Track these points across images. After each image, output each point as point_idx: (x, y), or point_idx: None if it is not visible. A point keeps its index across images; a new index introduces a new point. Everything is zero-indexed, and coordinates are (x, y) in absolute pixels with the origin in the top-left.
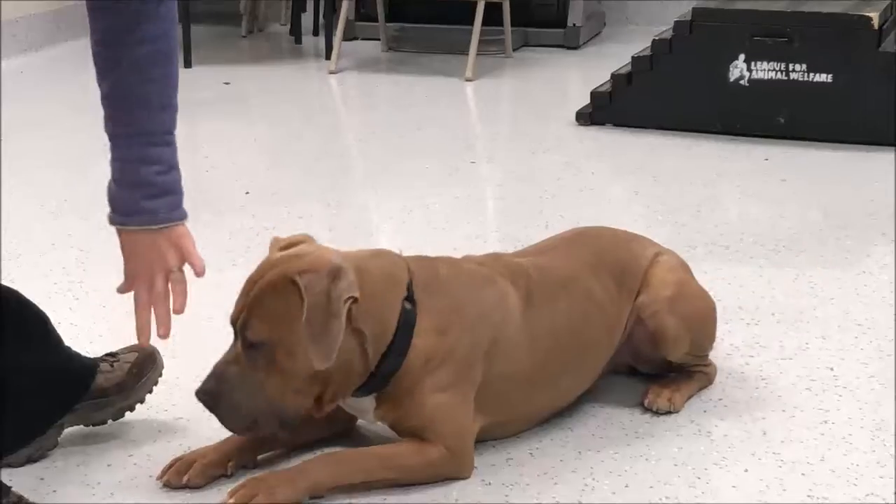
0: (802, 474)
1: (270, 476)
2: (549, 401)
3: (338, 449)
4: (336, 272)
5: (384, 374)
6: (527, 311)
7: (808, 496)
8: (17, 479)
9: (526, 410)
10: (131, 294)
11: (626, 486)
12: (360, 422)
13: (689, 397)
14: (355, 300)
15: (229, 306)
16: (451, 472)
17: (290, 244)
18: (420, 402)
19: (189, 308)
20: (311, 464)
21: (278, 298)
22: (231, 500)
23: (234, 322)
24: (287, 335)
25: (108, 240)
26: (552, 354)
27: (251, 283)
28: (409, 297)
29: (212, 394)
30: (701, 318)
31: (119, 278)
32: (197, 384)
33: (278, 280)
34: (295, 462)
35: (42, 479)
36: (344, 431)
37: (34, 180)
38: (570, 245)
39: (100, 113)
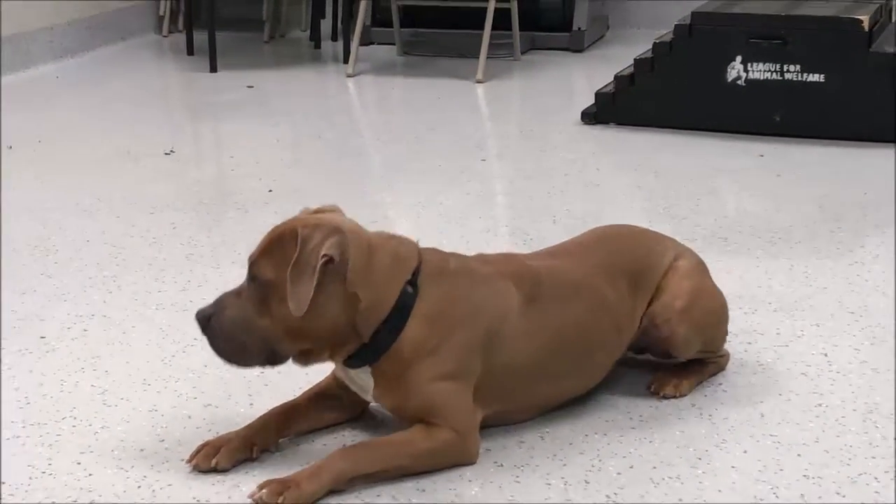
0: (798, 455)
1: (295, 475)
2: (554, 394)
3: (354, 433)
4: (332, 232)
5: (376, 348)
6: (528, 310)
7: (804, 475)
8: (57, 463)
9: (530, 402)
10: (162, 287)
11: (631, 467)
12: (372, 405)
13: (698, 383)
14: (330, 260)
15: None
16: (460, 454)
17: (320, 211)
18: (417, 389)
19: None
20: (329, 459)
21: (284, 245)
22: (264, 492)
23: (249, 259)
24: (283, 280)
25: (140, 236)
26: (556, 354)
27: (272, 230)
28: (413, 282)
29: (207, 316)
30: (713, 322)
31: (147, 273)
32: (224, 372)
33: (288, 230)
34: (316, 443)
35: (79, 463)
36: (358, 415)
37: (69, 180)
38: (587, 249)
39: (129, 115)
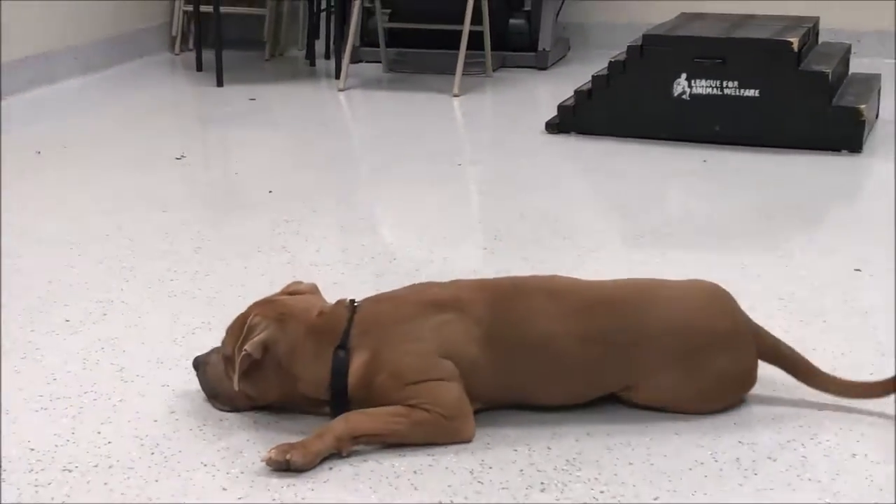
0: (735, 423)
1: (302, 439)
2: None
3: None
4: (267, 326)
5: (337, 402)
6: (489, 337)
7: (740, 442)
8: (79, 432)
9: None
10: (173, 276)
11: (588, 435)
12: None
13: None
14: (248, 354)
15: (255, 284)
16: (452, 432)
17: (294, 291)
18: (388, 399)
19: (223, 287)
20: (332, 423)
21: (241, 328)
22: (273, 451)
23: (226, 330)
24: (233, 357)
25: (154, 232)
26: (510, 384)
27: (249, 307)
28: (343, 345)
29: (197, 364)
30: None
31: (161, 264)
32: None
33: (246, 316)
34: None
35: (99, 432)
36: None
37: (91, 182)
38: (589, 308)
39: (145, 124)
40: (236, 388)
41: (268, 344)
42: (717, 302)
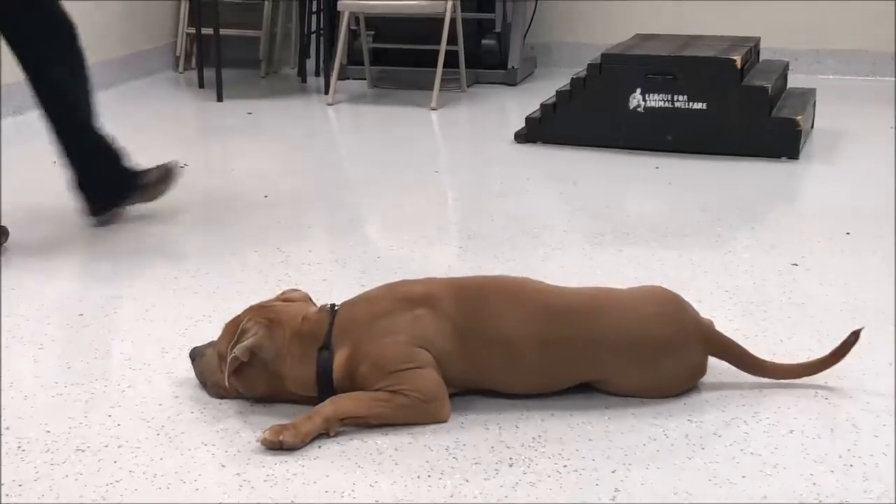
0: (684, 404)
1: (293, 420)
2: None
3: None
4: (258, 332)
5: (325, 398)
6: (457, 331)
7: (688, 420)
8: (91, 415)
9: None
10: (178, 274)
11: (552, 415)
12: None
13: None
14: (236, 357)
15: (252, 281)
16: (431, 414)
17: (287, 299)
18: (373, 387)
19: (223, 284)
20: (320, 406)
21: (235, 330)
22: (266, 433)
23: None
24: (225, 355)
25: (160, 233)
26: (481, 374)
27: (245, 310)
28: (326, 345)
29: (193, 355)
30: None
31: (166, 262)
32: None
33: (240, 319)
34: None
35: (110, 415)
36: None
37: None
38: (553, 315)
39: (152, 136)
40: (226, 384)
41: (254, 349)
42: (665, 309)
